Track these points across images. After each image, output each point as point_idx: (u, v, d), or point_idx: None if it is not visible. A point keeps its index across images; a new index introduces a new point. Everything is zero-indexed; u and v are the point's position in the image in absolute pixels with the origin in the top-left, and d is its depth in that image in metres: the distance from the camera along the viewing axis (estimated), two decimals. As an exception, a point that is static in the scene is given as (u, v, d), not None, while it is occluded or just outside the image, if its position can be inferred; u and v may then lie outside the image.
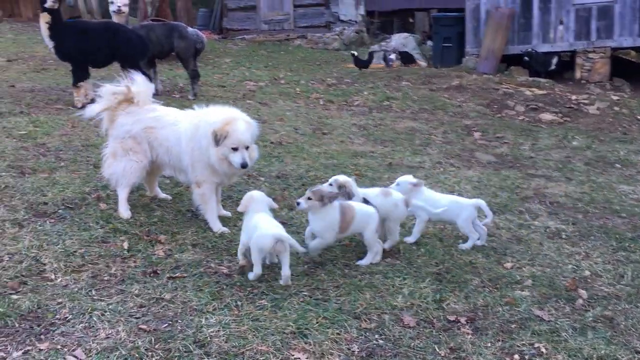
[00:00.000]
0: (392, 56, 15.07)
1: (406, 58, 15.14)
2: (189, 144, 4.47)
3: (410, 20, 32.49)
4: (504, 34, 14.17)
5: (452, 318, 3.51)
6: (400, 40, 16.29)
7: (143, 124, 4.62)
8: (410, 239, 4.56)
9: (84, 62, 8.13)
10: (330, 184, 4.29)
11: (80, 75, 8.06)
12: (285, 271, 3.68)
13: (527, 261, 4.44)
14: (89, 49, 8.01)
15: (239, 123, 4.28)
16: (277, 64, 14.70)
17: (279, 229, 3.75)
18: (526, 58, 13.83)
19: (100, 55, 8.13)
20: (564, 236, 5.06)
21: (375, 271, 4.02)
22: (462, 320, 3.49)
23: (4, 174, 5.16)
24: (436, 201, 4.54)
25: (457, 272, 4.12)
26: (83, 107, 6.80)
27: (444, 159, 7.43)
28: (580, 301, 3.87)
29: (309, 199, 3.94)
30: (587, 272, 4.35)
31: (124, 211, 4.59)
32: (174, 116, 4.70)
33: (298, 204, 3.98)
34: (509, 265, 4.35)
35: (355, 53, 14.17)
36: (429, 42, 17.75)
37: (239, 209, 4.00)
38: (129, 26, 9.18)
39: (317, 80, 12.42)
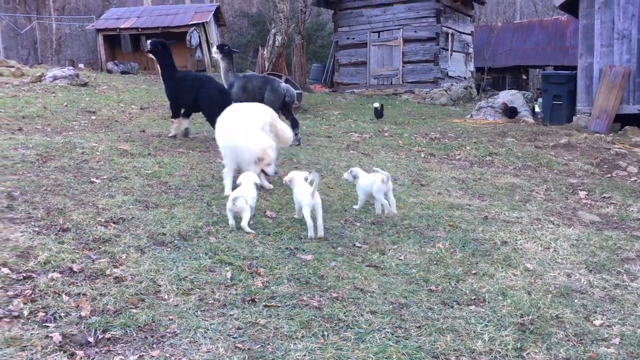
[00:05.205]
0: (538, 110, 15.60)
1: (511, 113, 15.09)
2: None
3: (524, 76, 32.10)
4: (619, 93, 13.79)
5: (530, 366, 3.58)
6: (507, 96, 16.25)
7: None
8: None
9: (179, 106, 9.76)
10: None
11: (176, 112, 9.77)
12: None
13: (618, 320, 4.37)
14: (181, 95, 9.61)
15: None
16: (383, 117, 15.16)
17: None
18: (644, 117, 13.34)
19: (189, 102, 9.61)
20: (662, 299, 4.90)
21: (458, 316, 4.17)
22: (541, 369, 3.56)
23: (131, 206, 5.88)
24: None
25: (541, 325, 4.16)
26: (174, 136, 9.69)
27: (543, 215, 7.36)
28: (671, 364, 3.78)
29: None
30: (683, 337, 4.21)
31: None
32: None
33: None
34: (598, 322, 4.31)
35: (376, 104, 15.08)
36: (540, 100, 17.54)
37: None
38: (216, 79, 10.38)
39: (420, 134, 12.70)
